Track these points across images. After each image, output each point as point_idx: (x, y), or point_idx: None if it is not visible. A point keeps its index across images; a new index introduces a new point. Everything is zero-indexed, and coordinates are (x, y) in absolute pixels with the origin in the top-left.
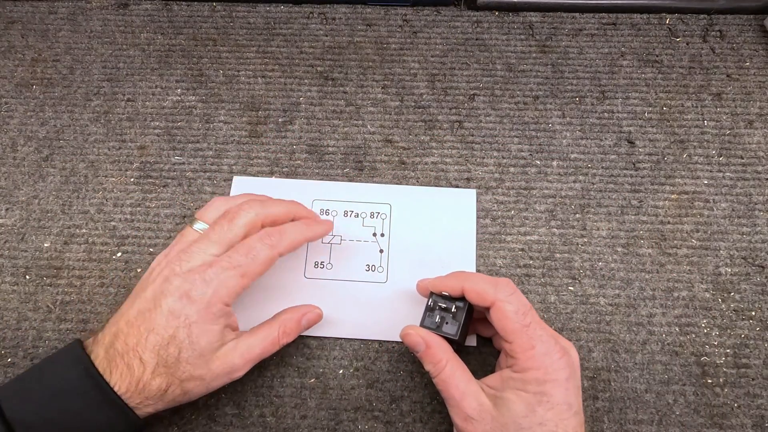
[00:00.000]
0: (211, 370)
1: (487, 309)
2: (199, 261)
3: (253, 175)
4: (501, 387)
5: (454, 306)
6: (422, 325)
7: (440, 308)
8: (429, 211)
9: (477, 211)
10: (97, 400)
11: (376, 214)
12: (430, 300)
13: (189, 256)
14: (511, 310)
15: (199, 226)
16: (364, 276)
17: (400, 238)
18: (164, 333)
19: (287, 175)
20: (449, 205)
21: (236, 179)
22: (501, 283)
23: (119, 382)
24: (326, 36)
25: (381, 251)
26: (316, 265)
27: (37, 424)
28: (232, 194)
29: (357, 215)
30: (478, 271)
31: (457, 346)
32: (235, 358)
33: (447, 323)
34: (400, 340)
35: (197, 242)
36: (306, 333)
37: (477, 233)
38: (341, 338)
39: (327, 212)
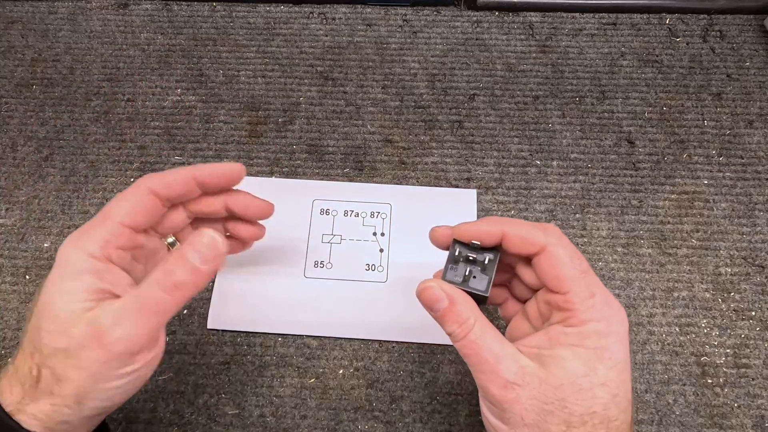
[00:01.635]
0: (73, 337)
1: (529, 259)
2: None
3: (253, 175)
4: (548, 344)
5: (486, 257)
6: (445, 278)
7: (466, 259)
8: (429, 211)
9: (477, 211)
10: None
11: (376, 214)
12: (455, 250)
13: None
14: (566, 255)
15: None
16: (364, 275)
17: (400, 237)
18: (34, 304)
19: (287, 175)
20: (450, 205)
21: None
22: (549, 228)
23: (3, 378)
24: (326, 36)
25: (381, 250)
26: (315, 264)
27: None
28: None
29: (357, 215)
30: None
31: (480, 304)
32: (101, 315)
33: (475, 277)
34: (400, 339)
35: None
36: (306, 333)
37: None
38: (341, 338)
39: (327, 212)
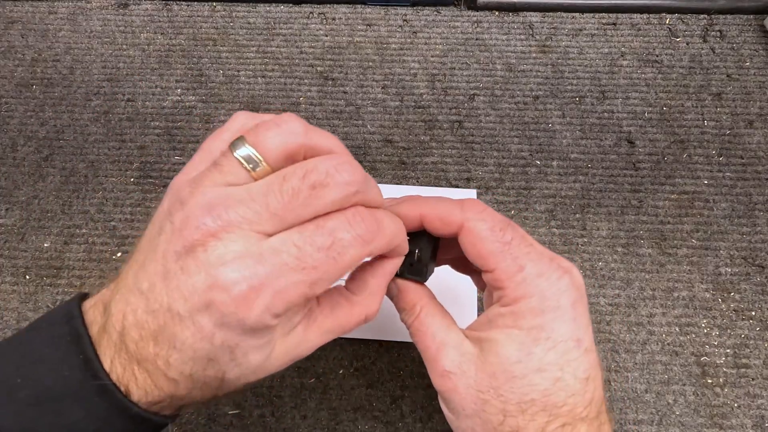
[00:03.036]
0: (266, 369)
1: (455, 237)
2: (240, 246)
3: None
4: (487, 327)
5: (417, 248)
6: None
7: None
8: None
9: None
10: (104, 409)
11: None
12: None
13: (230, 211)
14: (484, 227)
15: (244, 151)
16: None
17: None
18: (193, 354)
19: None
20: None
21: None
22: (467, 203)
23: (138, 393)
24: (326, 36)
25: None
26: None
27: None
28: None
29: None
30: None
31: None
32: (301, 349)
33: (411, 265)
34: (400, 339)
35: (242, 200)
36: None
37: None
38: (341, 338)
39: None
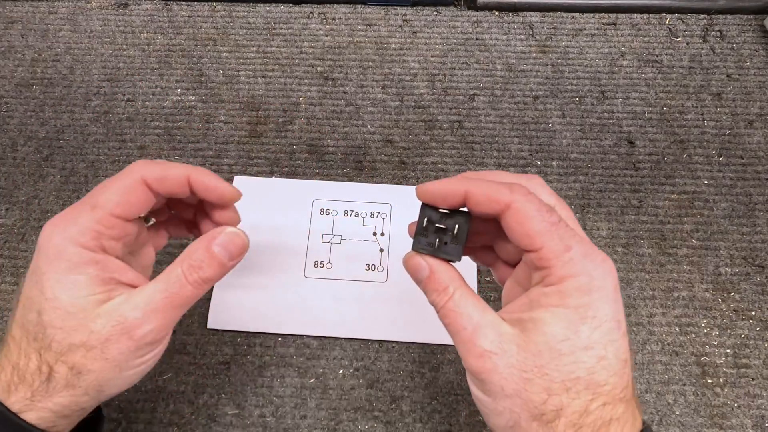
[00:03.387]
0: (94, 331)
1: (498, 218)
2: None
3: (254, 175)
4: (529, 308)
5: (455, 225)
6: (415, 248)
7: (435, 228)
8: None
9: None
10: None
11: (376, 214)
12: (424, 218)
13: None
14: (532, 208)
15: None
16: (364, 275)
17: (400, 237)
18: (22, 298)
19: (287, 175)
20: None
21: (237, 179)
22: (516, 185)
23: (2, 380)
24: (326, 36)
25: (381, 250)
26: (315, 264)
27: None
28: None
29: (357, 215)
30: (478, 271)
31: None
32: (128, 310)
33: (446, 244)
34: (400, 339)
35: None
36: (306, 333)
37: None
38: (341, 338)
39: (327, 212)
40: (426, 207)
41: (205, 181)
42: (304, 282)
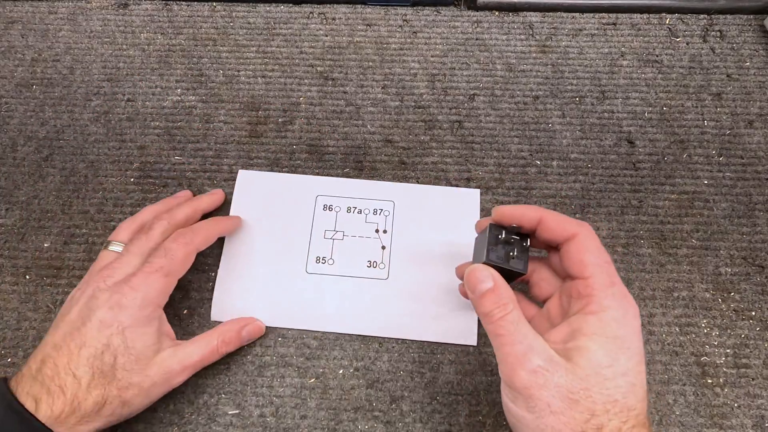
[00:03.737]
0: (148, 376)
1: (558, 246)
2: (123, 273)
3: (257, 168)
4: (571, 337)
5: (525, 240)
6: (488, 259)
7: (504, 242)
8: (432, 210)
9: (480, 210)
10: (19, 428)
11: (379, 211)
12: (494, 233)
13: (112, 272)
14: (593, 244)
15: (114, 247)
16: (366, 272)
17: (402, 235)
18: (97, 344)
19: None
20: (452, 204)
21: (241, 173)
22: (584, 222)
23: (52, 406)
24: (326, 36)
25: (383, 248)
26: (317, 260)
27: None
28: (236, 187)
29: (360, 211)
30: None
31: (516, 282)
32: (173, 363)
33: (513, 257)
34: (400, 336)
35: (118, 259)
36: (307, 328)
37: None
38: (341, 338)
39: (330, 208)
40: (493, 226)
41: (206, 203)
42: (305, 277)
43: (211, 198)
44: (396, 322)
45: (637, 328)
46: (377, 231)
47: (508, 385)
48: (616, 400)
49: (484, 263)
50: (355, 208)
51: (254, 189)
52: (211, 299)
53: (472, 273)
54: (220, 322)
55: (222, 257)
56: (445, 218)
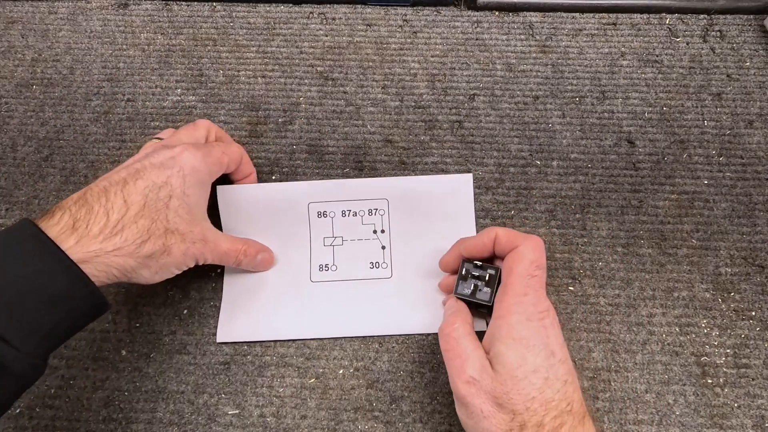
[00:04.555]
0: (192, 231)
1: (506, 255)
2: (179, 143)
3: (261, 175)
4: (491, 344)
5: (487, 274)
6: (456, 292)
7: (473, 276)
8: (427, 201)
9: (477, 211)
10: (49, 264)
11: (374, 211)
12: (463, 268)
13: (166, 144)
14: (528, 258)
15: (157, 139)
16: (369, 274)
17: (400, 232)
18: (156, 179)
19: (287, 176)
20: (446, 192)
21: (219, 189)
22: (532, 236)
23: (91, 226)
24: (326, 36)
25: (383, 247)
26: (320, 268)
27: None
28: (220, 205)
29: (355, 214)
30: None
31: (488, 311)
32: (210, 236)
33: (480, 290)
34: (411, 332)
35: (168, 138)
36: (318, 336)
37: (476, 223)
38: (341, 338)
39: (325, 214)
40: (465, 260)
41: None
42: (311, 287)
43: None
44: (405, 319)
45: (540, 327)
46: (375, 231)
47: (454, 394)
48: (534, 397)
49: (454, 294)
50: (350, 211)
51: (239, 204)
52: (211, 299)
53: (446, 303)
54: (226, 344)
55: (225, 278)
56: (440, 207)
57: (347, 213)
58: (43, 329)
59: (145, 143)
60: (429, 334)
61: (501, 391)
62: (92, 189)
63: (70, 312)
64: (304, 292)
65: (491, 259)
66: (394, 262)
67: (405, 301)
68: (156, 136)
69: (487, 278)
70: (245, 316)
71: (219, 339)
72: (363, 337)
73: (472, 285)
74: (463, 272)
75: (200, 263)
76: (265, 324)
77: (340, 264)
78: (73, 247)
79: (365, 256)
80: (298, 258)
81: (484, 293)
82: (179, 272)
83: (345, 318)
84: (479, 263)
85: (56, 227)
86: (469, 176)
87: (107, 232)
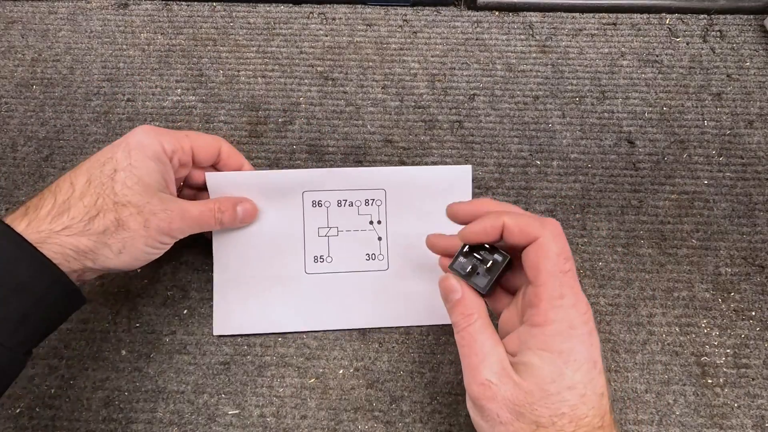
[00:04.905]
0: (149, 203)
1: (522, 249)
2: None
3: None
4: (520, 349)
5: (492, 259)
6: (451, 266)
7: (476, 257)
8: (425, 192)
9: (472, 188)
10: (12, 251)
11: (371, 201)
12: (467, 246)
13: None
14: (554, 250)
15: None
16: (365, 265)
17: (397, 223)
18: (100, 157)
19: None
20: (444, 183)
21: (208, 176)
22: (549, 222)
23: (40, 211)
24: (326, 36)
25: (380, 239)
26: (315, 259)
27: None
28: (210, 194)
29: (351, 204)
30: None
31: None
32: (173, 206)
33: (478, 274)
34: (406, 324)
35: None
36: (313, 329)
37: None
38: (341, 338)
39: (320, 203)
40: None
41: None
42: (306, 278)
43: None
44: (401, 311)
45: (584, 334)
46: (371, 222)
47: (467, 393)
48: (563, 413)
49: (449, 268)
50: (346, 200)
51: (230, 191)
52: (211, 299)
53: (443, 282)
54: (223, 337)
55: (215, 269)
56: (438, 198)
57: (343, 203)
58: (12, 318)
59: None
60: (429, 334)
61: (525, 401)
62: (47, 186)
63: (40, 300)
64: (300, 285)
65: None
66: (391, 254)
67: (401, 293)
68: None
69: (489, 264)
70: (241, 309)
71: (216, 332)
72: (359, 336)
73: (471, 266)
74: (466, 249)
75: (177, 236)
76: (261, 317)
77: (336, 255)
78: (24, 230)
79: (361, 247)
80: (291, 249)
81: (482, 279)
82: (156, 252)
83: (341, 310)
84: (486, 246)
85: (9, 216)
86: (468, 168)
87: (54, 212)
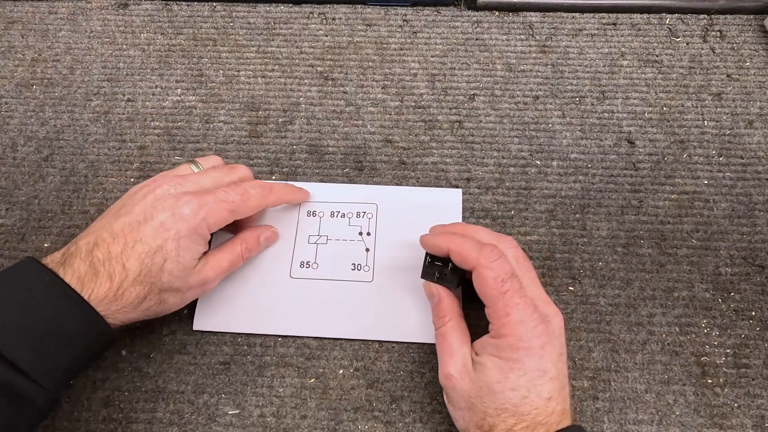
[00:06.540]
0: (188, 282)
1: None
2: (195, 188)
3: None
4: (480, 351)
5: (449, 266)
6: (422, 276)
7: (437, 265)
8: (415, 211)
9: (477, 211)
10: (68, 306)
11: (362, 214)
12: (427, 258)
13: (185, 182)
14: (490, 276)
15: (195, 167)
16: (351, 275)
17: (386, 237)
18: (152, 243)
19: (287, 176)
20: (435, 204)
21: None
22: (486, 249)
23: (97, 289)
24: (326, 36)
25: (367, 250)
26: (302, 264)
27: (6, 327)
28: None
29: (344, 215)
30: None
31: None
32: (209, 271)
33: (446, 275)
34: (385, 339)
35: (195, 174)
36: (291, 333)
37: None
38: (341, 338)
39: (314, 213)
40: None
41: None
42: (290, 282)
43: (301, 192)
44: (381, 325)
45: (534, 348)
46: (361, 234)
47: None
48: (506, 408)
49: (421, 278)
50: (339, 212)
51: None
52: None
53: (425, 287)
54: (202, 332)
55: None
56: (427, 219)
57: (336, 214)
58: (62, 366)
59: (182, 163)
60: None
61: (476, 394)
62: (98, 248)
63: (86, 349)
64: (282, 288)
65: None
66: (377, 267)
67: (383, 307)
68: (195, 159)
69: (450, 268)
70: (222, 306)
71: (195, 327)
72: (345, 338)
73: (436, 272)
74: (427, 262)
75: (210, 290)
76: (242, 316)
77: (322, 262)
78: (71, 281)
79: (348, 256)
80: (280, 253)
81: (450, 281)
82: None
83: (322, 318)
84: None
85: (67, 279)
86: (458, 191)
87: (111, 296)
